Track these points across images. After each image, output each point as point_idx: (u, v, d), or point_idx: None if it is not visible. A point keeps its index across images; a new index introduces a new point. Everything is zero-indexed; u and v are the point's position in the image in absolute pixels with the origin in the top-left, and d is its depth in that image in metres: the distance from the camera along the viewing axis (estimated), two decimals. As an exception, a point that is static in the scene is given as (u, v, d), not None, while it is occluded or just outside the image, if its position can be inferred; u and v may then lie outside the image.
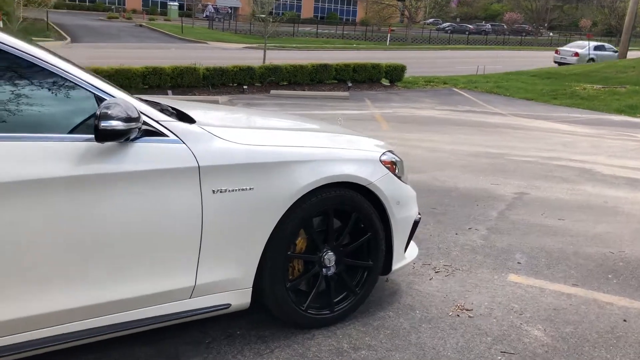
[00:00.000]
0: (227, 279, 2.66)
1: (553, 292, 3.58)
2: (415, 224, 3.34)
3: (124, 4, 56.93)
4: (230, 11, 55.55)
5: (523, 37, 54.82)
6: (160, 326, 2.60)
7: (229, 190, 2.57)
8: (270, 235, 2.72)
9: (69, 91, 2.32)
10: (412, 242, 3.55)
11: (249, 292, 2.75)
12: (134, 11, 52.90)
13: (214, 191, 2.53)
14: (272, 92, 13.97)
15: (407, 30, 47.99)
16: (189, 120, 2.75)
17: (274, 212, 2.69)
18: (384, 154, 3.16)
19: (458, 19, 73.30)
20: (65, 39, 30.54)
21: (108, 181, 2.27)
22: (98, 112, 2.16)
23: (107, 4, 55.33)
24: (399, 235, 3.19)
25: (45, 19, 32.13)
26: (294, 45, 34.57)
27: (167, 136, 2.45)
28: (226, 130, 2.68)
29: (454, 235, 4.54)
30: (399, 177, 3.22)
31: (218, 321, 2.98)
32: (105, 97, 2.34)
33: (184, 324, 2.79)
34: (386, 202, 3.07)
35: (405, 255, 3.33)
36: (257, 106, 11.93)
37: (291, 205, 2.74)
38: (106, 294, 2.35)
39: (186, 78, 13.24)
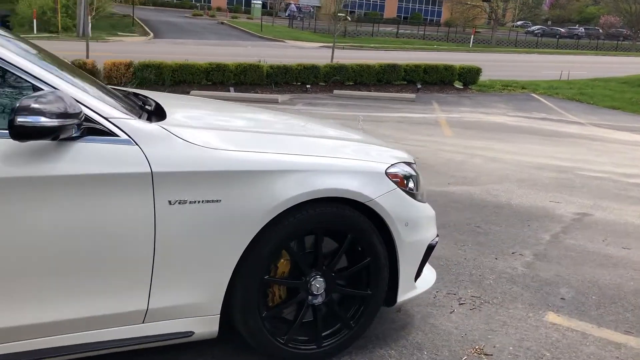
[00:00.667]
0: (187, 304, 2.30)
1: (598, 340, 2.98)
2: (430, 248, 2.86)
3: (210, 2, 58.32)
4: (312, 10, 55.70)
5: (619, 42, 51.58)
6: (113, 351, 2.29)
7: (190, 202, 2.20)
8: (242, 256, 2.33)
9: (4, 80, 2.04)
10: (428, 269, 3.07)
11: (216, 319, 2.38)
12: (219, 9, 54.07)
13: (170, 202, 2.17)
14: (336, 92, 13.60)
15: (492, 32, 46.29)
16: (161, 117, 2.42)
17: (247, 229, 2.30)
18: (392, 165, 2.70)
19: (549, 22, 70.06)
20: (149, 34, 31.56)
21: (37, 187, 1.96)
22: (16, 105, 1.84)
23: (193, 2, 56.88)
24: (406, 262, 2.72)
25: (132, 15, 33.35)
26: (372, 45, 34.08)
27: (116, 136, 2.12)
28: (195, 132, 2.31)
29: (493, 260, 3.99)
30: (412, 194, 2.74)
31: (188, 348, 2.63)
32: (43, 88, 2.03)
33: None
34: (391, 222, 2.60)
35: (417, 285, 2.85)
36: (317, 106, 11.60)
37: (269, 222, 2.34)
38: (41, 314, 2.06)
39: (249, 75, 13.10)
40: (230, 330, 2.49)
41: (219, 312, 2.37)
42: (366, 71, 14.40)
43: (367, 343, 2.80)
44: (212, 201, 2.24)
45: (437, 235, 2.98)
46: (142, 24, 34.92)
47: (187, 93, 12.16)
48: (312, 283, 2.53)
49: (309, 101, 12.28)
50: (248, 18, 49.26)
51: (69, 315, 2.11)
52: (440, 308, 3.23)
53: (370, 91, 14.08)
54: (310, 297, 2.56)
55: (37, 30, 25.97)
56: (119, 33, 30.19)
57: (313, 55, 21.29)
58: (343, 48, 29.12)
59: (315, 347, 2.59)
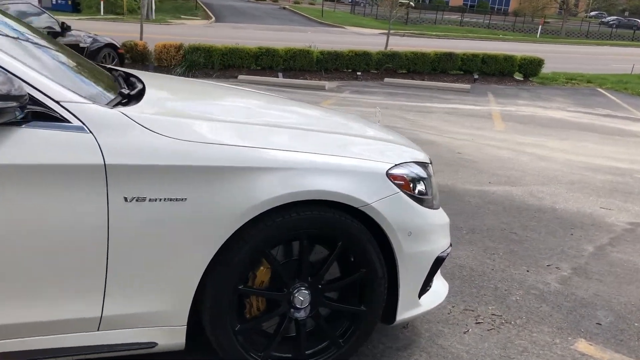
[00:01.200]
0: (148, 312, 2.06)
1: (634, 378, 2.56)
2: (439, 261, 2.51)
3: (274, -13, 58.30)
4: (376, -4, 54.82)
5: (703, 35, 48.27)
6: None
7: (150, 200, 1.95)
8: (211, 262, 2.07)
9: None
10: (440, 283, 2.72)
11: (182, 331, 2.13)
12: (282, -6, 54.02)
13: (127, 199, 1.92)
14: (386, 80, 13.16)
15: (563, 23, 44.24)
16: (137, 101, 2.18)
17: (216, 233, 2.03)
18: (396, 166, 2.36)
19: (627, 13, 66.47)
20: (210, 18, 31.82)
21: (-30, 176, 1.75)
22: None
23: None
24: (408, 276, 2.39)
25: (195, -1, 33.72)
26: (434, 33, 33.19)
27: (67, 121, 1.88)
28: (164, 120, 2.05)
29: (523, 273, 3.58)
30: (419, 199, 2.40)
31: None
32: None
33: None
34: (390, 231, 2.28)
35: (421, 302, 2.51)
36: (364, 94, 11.22)
37: (244, 226, 2.07)
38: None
39: (298, 61, 12.84)
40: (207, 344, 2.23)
41: (186, 323, 2.12)
42: (420, 59, 13.87)
43: (360, 364, 2.49)
44: (177, 200, 1.98)
45: (450, 246, 2.63)
46: (205, 8, 35.27)
47: (235, 77, 12.03)
48: (296, 295, 2.24)
49: (356, 89, 11.91)
50: (310, 3, 49.01)
51: (11, 320, 1.91)
52: (454, 326, 2.87)
53: (423, 80, 13.55)
54: (292, 311, 2.27)
55: (103, 12, 26.60)
56: (182, 16, 30.58)
57: (371, 42, 20.82)
58: (403, 35, 28.45)
59: (295, 366, 2.31)
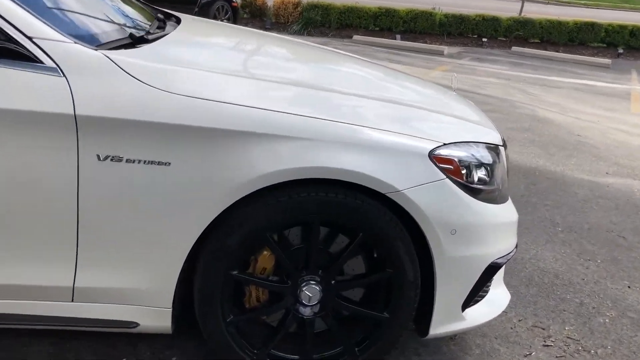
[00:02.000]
0: (125, 288, 1.79)
1: None
2: (493, 269, 2.01)
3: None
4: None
5: None
6: (41, 328, 1.91)
7: (128, 161, 1.66)
8: (200, 240, 1.76)
9: None
10: (497, 292, 2.22)
11: (167, 314, 1.85)
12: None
13: (100, 157, 1.64)
14: (515, 48, 12.08)
15: None
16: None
17: (205, 207, 1.71)
18: (445, 146, 1.88)
19: None
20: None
21: None
22: None
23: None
24: (449, 283, 1.93)
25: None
26: (583, 2, 30.33)
27: (40, 62, 1.62)
28: (157, 67, 1.74)
29: (623, 289, 2.93)
30: (474, 190, 1.91)
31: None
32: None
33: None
34: (427, 226, 1.83)
35: (466, 316, 2.03)
36: (485, 62, 10.33)
37: (239, 202, 1.73)
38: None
39: (419, 23, 12.13)
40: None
41: (171, 305, 1.83)
42: (556, 28, 12.57)
43: (382, 378, 2.08)
44: (159, 163, 1.67)
45: (513, 250, 2.11)
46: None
47: (350, 38, 11.62)
48: (303, 289, 1.87)
49: (478, 56, 11.02)
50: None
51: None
52: (514, 346, 2.37)
53: (557, 52, 12.29)
54: (298, 307, 1.91)
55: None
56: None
57: (503, 7, 19.32)
58: (548, 3, 26.24)
59: (299, 371, 1.96)
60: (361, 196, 1.79)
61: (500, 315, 2.45)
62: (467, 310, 2.04)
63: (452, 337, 2.37)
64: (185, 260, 1.77)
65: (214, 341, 1.88)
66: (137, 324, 1.85)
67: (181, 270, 1.79)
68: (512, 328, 2.49)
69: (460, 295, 1.98)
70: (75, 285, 1.77)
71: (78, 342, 2.09)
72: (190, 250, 1.77)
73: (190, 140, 1.67)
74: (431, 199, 1.82)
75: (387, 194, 1.78)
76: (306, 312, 1.91)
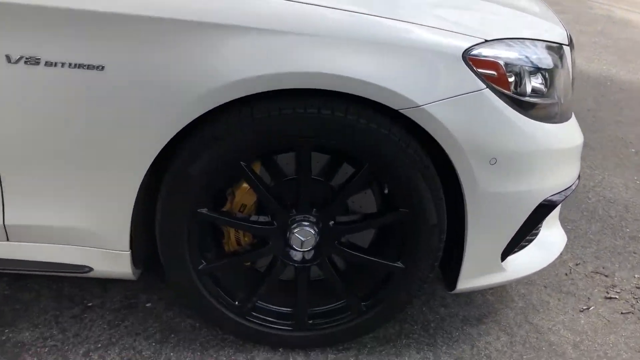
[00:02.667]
0: (67, 227, 1.43)
1: None
2: (544, 209, 1.53)
3: None
4: None
5: None
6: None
7: (48, 64, 1.24)
8: (154, 169, 1.36)
9: None
10: (551, 234, 1.75)
11: (125, 257, 1.48)
12: None
13: (10, 59, 1.24)
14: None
15: None
16: None
17: (159, 124, 1.30)
18: (486, 43, 1.37)
19: None
20: None
21: None
22: None
23: None
24: (486, 227, 1.48)
25: None
26: None
27: None
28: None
29: None
30: (525, 104, 1.42)
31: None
32: None
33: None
34: (457, 154, 1.37)
35: (506, 266, 1.59)
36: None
37: (202, 120, 1.30)
38: None
39: None
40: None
41: (128, 248, 1.47)
42: None
43: (390, 338, 1.70)
44: (89, 67, 1.24)
45: (574, 183, 1.62)
46: None
47: None
48: (294, 232, 1.46)
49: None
50: None
51: None
52: (567, 297, 1.93)
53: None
54: (287, 252, 1.51)
55: None
56: None
57: None
58: None
59: (291, 328, 1.59)
60: (367, 113, 1.32)
61: (535, 272, 2.01)
62: (508, 258, 1.60)
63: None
64: (142, 193, 1.39)
65: (184, 293, 1.52)
66: (90, 268, 1.51)
67: (139, 207, 1.41)
68: (566, 274, 2.04)
69: (499, 242, 1.53)
70: (5, 223, 1.42)
71: (38, 283, 1.78)
72: (147, 182, 1.38)
73: (130, 36, 1.23)
74: (463, 117, 1.34)
75: (402, 111, 1.31)
76: (298, 258, 1.51)
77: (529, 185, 1.47)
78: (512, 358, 1.66)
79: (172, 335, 1.63)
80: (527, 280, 1.98)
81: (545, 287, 1.97)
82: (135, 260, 1.51)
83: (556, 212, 1.75)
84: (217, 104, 1.27)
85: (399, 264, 1.51)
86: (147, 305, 1.74)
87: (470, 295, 1.89)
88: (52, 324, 1.64)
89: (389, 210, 1.47)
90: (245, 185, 1.47)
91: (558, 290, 1.95)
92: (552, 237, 1.76)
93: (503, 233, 1.51)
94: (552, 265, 2.03)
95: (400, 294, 1.54)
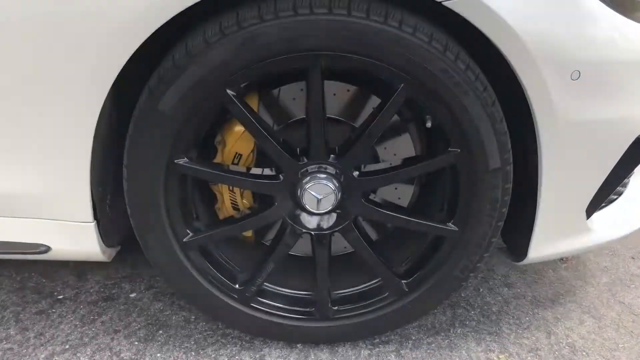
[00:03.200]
0: (8, 193, 1.09)
1: None
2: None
3: None
4: None
5: None
6: None
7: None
8: (111, 108, 1.01)
9: None
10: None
11: (89, 230, 1.13)
12: None
13: None
14: None
15: None
16: None
17: (110, 46, 0.94)
18: None
19: None
20: None
21: None
22: None
23: None
24: (565, 169, 1.08)
25: None
26: None
27: None
28: None
29: None
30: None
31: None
32: None
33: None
34: (524, 64, 0.97)
35: (593, 224, 1.19)
36: None
37: (164, 31, 0.94)
38: None
39: None
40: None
41: (92, 218, 1.11)
42: None
43: (445, 322, 1.32)
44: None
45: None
46: None
47: None
48: (306, 188, 1.08)
49: None
50: None
51: None
52: (664, 270, 1.51)
53: None
54: (300, 215, 1.13)
55: None
56: None
57: None
58: None
59: (308, 316, 1.21)
60: (397, 13, 0.94)
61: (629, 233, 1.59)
62: (594, 216, 1.20)
63: (563, 258, 1.55)
64: (103, 145, 1.04)
65: (165, 275, 1.16)
66: (46, 247, 1.16)
67: (106, 164, 1.06)
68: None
69: (584, 191, 1.13)
70: None
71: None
72: (110, 130, 1.03)
73: None
74: (532, 10, 0.95)
75: (445, 3, 0.92)
76: (314, 224, 1.13)
77: (623, 111, 1.07)
78: (604, 347, 1.26)
79: (160, 332, 1.28)
80: (609, 251, 1.57)
81: (633, 258, 1.56)
82: (106, 234, 1.16)
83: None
84: (185, 7, 0.91)
85: (451, 226, 1.12)
86: (131, 295, 1.39)
87: (540, 272, 1.50)
88: (10, 322, 1.30)
89: (436, 151, 1.08)
90: (237, 127, 1.10)
91: (650, 262, 1.54)
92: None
93: (589, 178, 1.11)
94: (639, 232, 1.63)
95: (452, 267, 1.15)
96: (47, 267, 1.48)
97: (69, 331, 1.28)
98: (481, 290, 1.43)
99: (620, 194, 1.27)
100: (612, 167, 1.11)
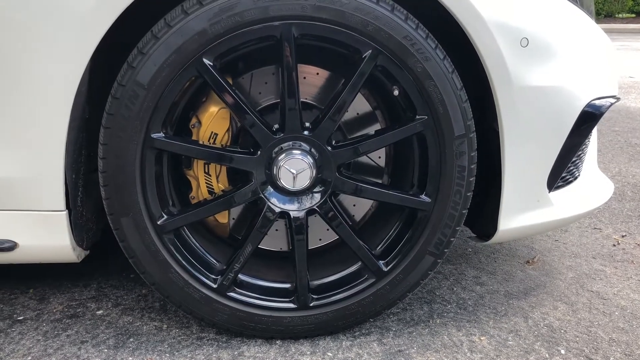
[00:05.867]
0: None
1: None
2: (589, 117, 1.23)
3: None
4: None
5: None
6: None
7: None
8: (88, 82, 1.04)
9: None
10: (596, 178, 1.44)
11: (60, 220, 1.10)
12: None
13: None
14: None
15: None
16: None
17: (88, 17, 0.98)
18: None
19: None
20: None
21: None
22: None
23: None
24: (524, 135, 1.15)
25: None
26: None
27: None
28: None
29: None
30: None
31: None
32: None
33: None
34: (478, 30, 1.08)
35: (553, 199, 1.25)
36: None
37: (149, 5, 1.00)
38: None
39: None
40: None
41: (64, 206, 1.09)
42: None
43: (423, 315, 1.31)
44: None
45: (615, 96, 1.33)
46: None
47: None
48: (281, 163, 1.11)
49: None
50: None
51: None
52: (626, 265, 1.57)
53: None
54: (274, 193, 1.14)
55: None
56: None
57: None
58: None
59: (289, 304, 1.18)
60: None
61: (592, 232, 1.68)
62: (555, 193, 1.26)
63: (529, 260, 1.59)
64: (78, 119, 1.05)
65: (138, 260, 1.12)
66: (12, 244, 1.12)
67: (75, 142, 1.06)
68: (614, 245, 1.69)
69: (543, 160, 1.20)
70: None
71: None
72: (79, 101, 1.05)
73: None
74: (483, -17, 1.06)
75: (404, -29, 1.03)
76: (291, 206, 1.15)
77: (569, 79, 1.18)
78: (580, 325, 1.27)
79: (131, 340, 1.21)
80: (569, 253, 1.62)
81: (594, 257, 1.61)
82: (76, 227, 1.13)
83: (594, 150, 1.45)
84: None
85: (424, 198, 1.16)
86: (98, 312, 1.33)
87: (509, 272, 1.52)
88: (-36, 341, 1.21)
89: (405, 118, 1.14)
90: (213, 107, 1.14)
91: (611, 260, 1.60)
92: (596, 181, 1.44)
93: (547, 146, 1.19)
94: (595, 238, 1.71)
95: (427, 243, 1.17)
96: (4, 294, 1.40)
97: (30, 345, 1.19)
98: (455, 289, 1.43)
99: (576, 177, 1.35)
100: (566, 136, 1.19)
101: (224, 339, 1.21)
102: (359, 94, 1.17)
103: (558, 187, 1.27)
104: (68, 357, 1.15)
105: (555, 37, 1.15)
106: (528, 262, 1.58)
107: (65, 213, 1.10)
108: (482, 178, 1.22)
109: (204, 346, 1.19)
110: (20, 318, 1.30)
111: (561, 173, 1.24)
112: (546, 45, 1.13)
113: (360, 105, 1.27)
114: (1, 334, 1.24)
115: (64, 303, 1.36)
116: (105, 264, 1.55)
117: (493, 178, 1.20)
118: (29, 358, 1.15)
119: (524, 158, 1.17)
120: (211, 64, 1.04)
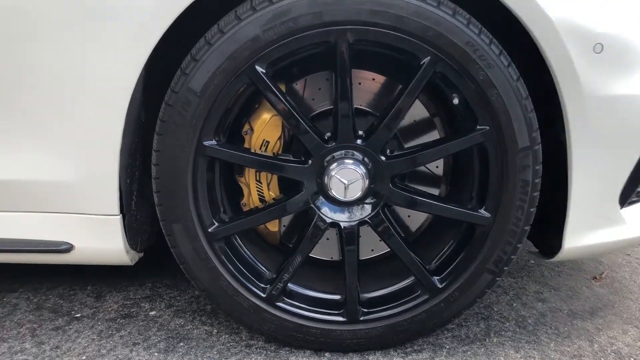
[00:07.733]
0: (27, 180, 1.09)
1: None
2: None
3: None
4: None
5: None
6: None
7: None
8: (144, 86, 1.04)
9: None
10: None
11: (115, 224, 1.12)
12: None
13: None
14: None
15: None
16: None
17: (133, 22, 0.98)
18: None
19: None
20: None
21: None
22: None
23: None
24: (594, 149, 1.07)
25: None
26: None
27: None
28: None
29: None
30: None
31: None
32: None
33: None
34: (548, 36, 1.01)
35: (625, 215, 1.16)
36: None
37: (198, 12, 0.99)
38: None
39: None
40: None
41: (118, 210, 1.10)
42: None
43: (479, 332, 1.25)
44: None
45: None
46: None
47: None
48: (332, 173, 1.08)
49: None
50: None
51: None
52: None
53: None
54: (325, 202, 1.11)
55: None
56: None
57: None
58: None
59: (338, 317, 1.16)
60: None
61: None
62: (627, 209, 1.17)
63: (596, 276, 1.49)
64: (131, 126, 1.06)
65: (189, 266, 1.12)
66: (69, 246, 1.14)
67: (129, 147, 1.07)
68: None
69: (615, 174, 1.11)
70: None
71: (16, 296, 1.41)
72: (134, 106, 1.05)
73: None
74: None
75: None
76: (342, 213, 1.12)
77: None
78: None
79: (182, 344, 1.21)
80: (643, 269, 1.52)
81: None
82: (130, 231, 1.14)
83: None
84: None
85: (483, 213, 1.10)
86: (151, 313, 1.34)
87: (574, 288, 1.44)
88: (25, 337, 1.25)
89: (463, 129, 1.08)
90: (265, 114, 1.12)
91: (689, 279, 1.48)
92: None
93: (620, 160, 1.10)
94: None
95: (485, 260, 1.11)
96: (64, 290, 1.44)
97: (86, 344, 1.22)
98: (514, 305, 1.36)
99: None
100: (641, 149, 1.11)
101: (272, 348, 1.20)
102: (416, 100, 1.11)
103: (632, 203, 1.18)
104: (120, 359, 1.17)
105: (633, 42, 1.05)
106: (595, 277, 1.49)
107: (119, 217, 1.11)
108: (546, 190, 1.15)
109: (252, 354, 1.18)
110: (78, 315, 1.33)
111: (635, 188, 1.15)
112: (623, 52, 1.04)
113: (417, 111, 1.22)
114: (59, 331, 1.27)
115: (119, 302, 1.39)
116: (160, 263, 1.57)
117: (558, 191, 1.12)
118: (84, 357, 1.17)
119: (593, 172, 1.09)
120: (264, 71, 1.01)
